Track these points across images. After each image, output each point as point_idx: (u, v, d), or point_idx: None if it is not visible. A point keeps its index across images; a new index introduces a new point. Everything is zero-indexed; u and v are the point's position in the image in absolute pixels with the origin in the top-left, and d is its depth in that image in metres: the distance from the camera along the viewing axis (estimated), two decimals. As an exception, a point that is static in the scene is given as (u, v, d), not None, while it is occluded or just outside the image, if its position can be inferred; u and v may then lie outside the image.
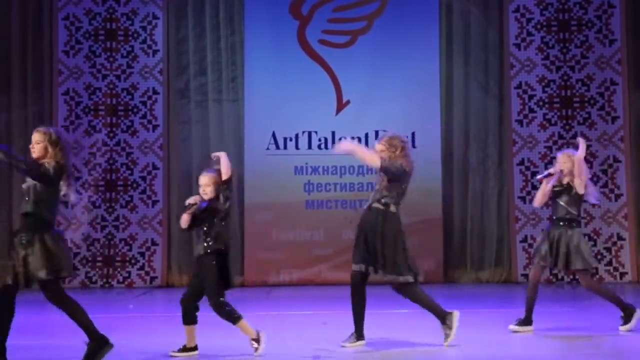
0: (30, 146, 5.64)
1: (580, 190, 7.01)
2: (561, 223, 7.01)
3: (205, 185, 6.09)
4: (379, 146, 6.47)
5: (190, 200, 6.14)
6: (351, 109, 11.23)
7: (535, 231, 10.95)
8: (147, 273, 11.09)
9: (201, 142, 11.22)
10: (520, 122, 11.19)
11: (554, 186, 7.11)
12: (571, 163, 7.06)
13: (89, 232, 11.03)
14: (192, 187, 9.71)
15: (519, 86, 11.23)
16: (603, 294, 7.12)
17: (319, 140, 11.21)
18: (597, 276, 10.88)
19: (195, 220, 6.05)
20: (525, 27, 11.26)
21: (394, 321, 7.63)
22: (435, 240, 11.07)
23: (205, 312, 6.03)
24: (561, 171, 7.12)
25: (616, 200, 11.05)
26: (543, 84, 11.20)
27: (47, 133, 5.65)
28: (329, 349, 6.31)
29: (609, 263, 10.97)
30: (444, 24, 11.37)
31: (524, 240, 11.07)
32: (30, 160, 5.61)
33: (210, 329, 6.29)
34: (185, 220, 6.07)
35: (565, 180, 7.11)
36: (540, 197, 7.22)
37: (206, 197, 6.07)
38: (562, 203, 7.05)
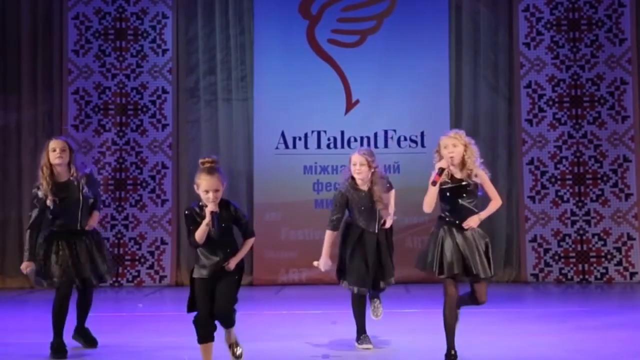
0: (58, 154, 6.29)
1: (488, 186, 5.63)
2: (467, 228, 5.60)
3: (215, 190, 5.25)
4: (361, 159, 6.25)
5: (212, 208, 5.22)
6: (360, 108, 11.22)
7: (545, 230, 10.94)
8: (156, 272, 11.11)
9: (210, 142, 11.24)
10: (529, 121, 11.16)
11: (441, 183, 5.53)
12: (462, 146, 5.57)
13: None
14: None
15: (528, 85, 11.20)
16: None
17: (328, 139, 11.20)
18: (607, 276, 10.86)
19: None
20: (535, 27, 11.23)
21: (399, 321, 7.62)
22: (445, 239, 11.05)
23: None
24: (451, 158, 5.55)
25: (626, 200, 11.00)
26: (553, 83, 11.17)
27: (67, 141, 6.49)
28: (338, 349, 6.30)
29: (619, 263, 10.93)
30: (453, 23, 11.34)
31: (534, 239, 11.03)
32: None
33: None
34: (203, 233, 5.26)
35: (460, 175, 5.59)
36: (433, 200, 5.55)
37: (215, 204, 5.27)
38: (465, 204, 5.60)
